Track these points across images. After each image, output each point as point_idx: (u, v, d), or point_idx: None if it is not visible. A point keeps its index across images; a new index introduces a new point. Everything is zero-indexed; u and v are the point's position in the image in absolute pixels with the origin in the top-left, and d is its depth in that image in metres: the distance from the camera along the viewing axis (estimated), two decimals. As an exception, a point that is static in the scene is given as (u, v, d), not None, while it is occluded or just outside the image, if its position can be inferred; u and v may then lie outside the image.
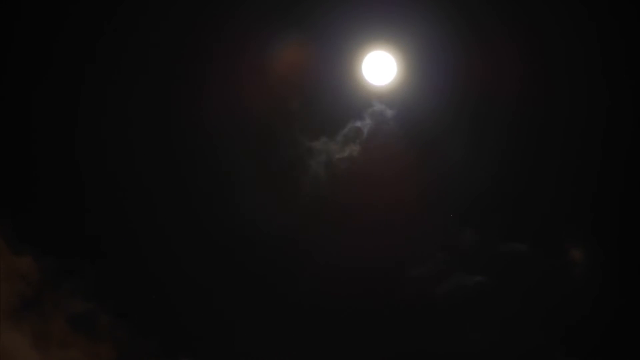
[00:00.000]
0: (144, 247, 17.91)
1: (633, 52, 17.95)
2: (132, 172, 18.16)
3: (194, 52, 18.10)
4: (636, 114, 18.13)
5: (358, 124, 18.23)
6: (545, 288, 17.79)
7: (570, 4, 17.84)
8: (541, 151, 18.47)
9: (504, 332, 17.47)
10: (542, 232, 18.14)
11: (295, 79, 18.04)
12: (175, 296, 17.82)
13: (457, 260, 18.02)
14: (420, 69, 18.00)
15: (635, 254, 17.89)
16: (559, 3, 17.92)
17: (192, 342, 17.58)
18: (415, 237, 18.08)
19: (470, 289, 17.77)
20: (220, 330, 17.68)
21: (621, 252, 17.94)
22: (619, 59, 18.00)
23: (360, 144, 18.27)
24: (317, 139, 18.34)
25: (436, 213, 18.28)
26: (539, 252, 18.03)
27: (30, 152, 18.03)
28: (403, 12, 17.86)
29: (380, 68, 18.07)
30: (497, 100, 17.93)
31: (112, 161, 18.17)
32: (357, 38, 18.02)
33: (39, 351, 16.42)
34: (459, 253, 18.08)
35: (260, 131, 18.28)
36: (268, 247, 18.12)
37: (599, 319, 17.43)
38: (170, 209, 18.09)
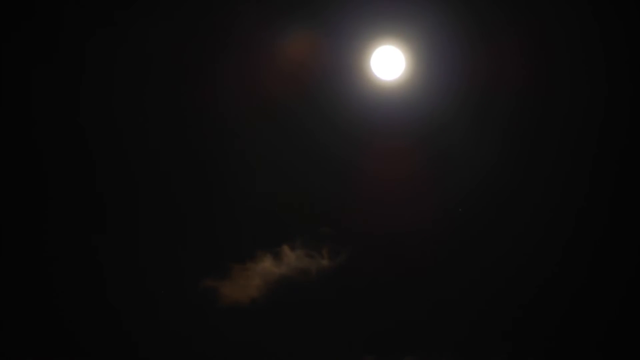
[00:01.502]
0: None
1: (636, 50, 18.19)
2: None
3: (204, 44, 18.08)
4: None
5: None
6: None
7: (577, 2, 18.08)
8: (537, 154, 18.65)
9: None
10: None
11: (303, 72, 18.09)
12: None
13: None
14: (429, 64, 18.11)
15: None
16: (566, 1, 18.15)
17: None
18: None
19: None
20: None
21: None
22: (624, 56, 18.24)
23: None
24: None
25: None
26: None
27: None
28: (412, 7, 17.98)
29: (388, 63, 18.16)
30: (508, 97, 18.10)
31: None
32: (366, 33, 18.10)
33: None
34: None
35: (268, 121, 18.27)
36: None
37: None
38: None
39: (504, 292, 17.91)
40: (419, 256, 18.34)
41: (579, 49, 18.31)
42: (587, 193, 18.42)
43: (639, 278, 18.02)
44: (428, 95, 18.12)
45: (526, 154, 18.41)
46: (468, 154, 18.33)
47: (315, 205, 18.25)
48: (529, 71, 18.11)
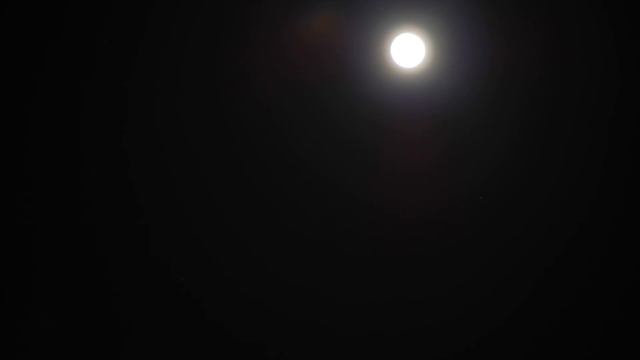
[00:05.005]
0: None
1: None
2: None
3: (228, 22, 18.26)
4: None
5: None
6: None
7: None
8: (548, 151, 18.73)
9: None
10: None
11: (320, 59, 18.26)
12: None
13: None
14: (449, 53, 18.24)
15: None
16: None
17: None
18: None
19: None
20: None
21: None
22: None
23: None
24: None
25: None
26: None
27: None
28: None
29: (408, 50, 18.31)
30: (529, 87, 18.19)
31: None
32: (386, 20, 18.25)
33: None
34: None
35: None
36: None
37: None
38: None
39: (512, 283, 18.15)
40: (433, 241, 18.61)
41: (601, 40, 18.30)
42: (600, 186, 18.52)
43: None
44: (447, 84, 18.25)
45: (545, 144, 18.48)
46: (486, 142, 18.47)
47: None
48: (550, 62, 18.15)
